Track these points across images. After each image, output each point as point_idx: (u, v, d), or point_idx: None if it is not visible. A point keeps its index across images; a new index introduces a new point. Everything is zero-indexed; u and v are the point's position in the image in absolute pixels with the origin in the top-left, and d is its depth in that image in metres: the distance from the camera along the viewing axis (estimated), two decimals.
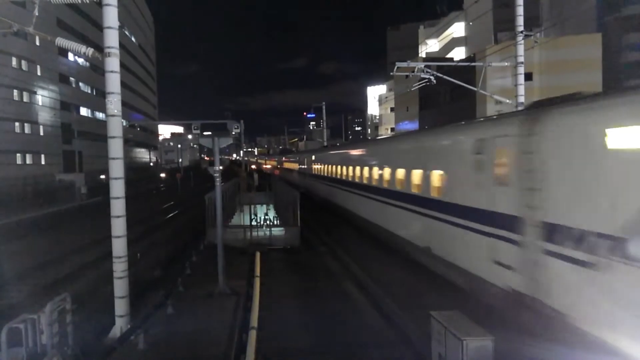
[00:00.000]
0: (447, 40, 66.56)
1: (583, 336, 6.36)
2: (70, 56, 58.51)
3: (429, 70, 19.59)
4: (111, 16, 9.69)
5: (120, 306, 9.78)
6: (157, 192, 54.82)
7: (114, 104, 9.79)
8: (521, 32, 17.56)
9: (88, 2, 10.13)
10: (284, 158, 61.57)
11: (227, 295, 11.87)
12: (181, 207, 34.89)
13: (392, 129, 67.60)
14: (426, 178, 12.26)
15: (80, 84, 63.64)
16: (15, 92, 47.28)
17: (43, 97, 52.26)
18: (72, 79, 60.89)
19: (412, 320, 9.18)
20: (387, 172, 15.82)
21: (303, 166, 39.99)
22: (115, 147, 9.88)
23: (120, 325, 9.67)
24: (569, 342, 6.63)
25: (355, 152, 22.94)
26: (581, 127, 6.97)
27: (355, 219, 20.77)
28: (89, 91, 65.94)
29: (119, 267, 9.84)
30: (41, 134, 51.94)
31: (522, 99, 17.76)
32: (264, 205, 24.86)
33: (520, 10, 17.47)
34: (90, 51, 10.04)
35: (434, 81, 19.55)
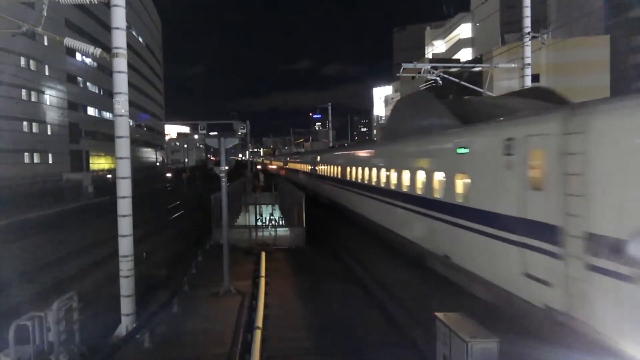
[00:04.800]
0: (454, 41, 66.39)
1: (586, 337, 6.34)
2: (78, 56, 58.91)
3: (435, 72, 19.56)
4: (119, 17, 9.77)
5: (126, 305, 9.84)
6: (163, 192, 55.03)
7: (121, 104, 9.85)
8: (528, 33, 17.51)
9: (96, 2, 10.17)
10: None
11: (232, 295, 11.90)
12: (187, 207, 35.00)
13: None
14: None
15: (88, 83, 64.04)
16: (24, 91, 47.66)
17: (51, 96, 52.65)
18: (79, 78, 61.30)
19: (415, 321, 9.19)
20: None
21: None
22: (122, 147, 9.94)
23: (126, 324, 9.73)
24: (574, 344, 6.61)
25: None
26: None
27: None
28: (97, 91, 66.34)
29: (125, 266, 9.89)
30: (49, 133, 52.32)
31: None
32: (269, 206, 24.93)
33: (527, 12, 17.43)
34: (98, 51, 10.11)
35: (440, 82, 19.51)
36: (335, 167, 26.02)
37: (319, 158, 33.67)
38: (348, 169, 22.25)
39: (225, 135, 12.66)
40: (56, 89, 53.77)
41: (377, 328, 9.50)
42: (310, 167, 37.12)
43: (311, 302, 11.37)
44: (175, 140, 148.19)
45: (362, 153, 21.05)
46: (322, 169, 31.15)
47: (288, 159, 63.44)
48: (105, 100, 64.57)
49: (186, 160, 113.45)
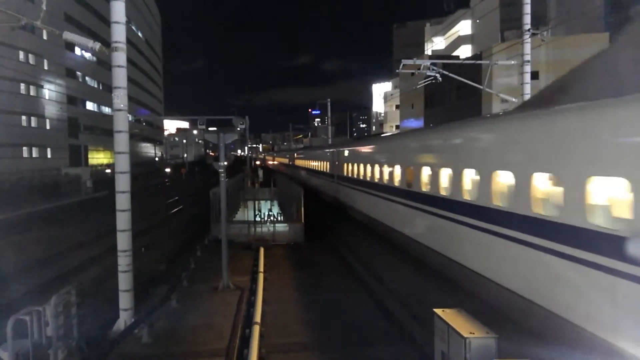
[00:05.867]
0: (454, 38, 66.28)
1: (585, 335, 6.35)
2: (77, 50, 58.73)
3: (435, 68, 19.53)
4: (119, 11, 9.72)
5: (125, 300, 9.83)
6: (161, 187, 54.99)
7: (121, 98, 9.82)
8: (528, 30, 17.47)
9: None
10: None
11: (231, 290, 11.92)
12: (185, 203, 35.00)
13: (397, 127, 67.48)
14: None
15: (87, 78, 63.86)
16: (23, 85, 47.51)
17: (50, 91, 52.52)
18: (78, 73, 61.12)
19: (413, 317, 9.20)
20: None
21: None
22: (121, 142, 9.92)
23: (124, 319, 9.73)
24: (572, 342, 6.62)
25: None
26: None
27: None
28: (96, 86, 66.17)
29: (124, 261, 9.88)
30: (48, 127, 52.22)
31: (528, 98, 17.70)
32: (268, 201, 24.93)
33: (527, 9, 17.39)
34: (97, 46, 10.05)
35: (440, 79, 19.48)
36: (394, 167, 14.41)
37: (347, 153, 22.02)
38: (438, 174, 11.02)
39: (224, 130, 12.61)
40: (55, 83, 53.63)
41: (376, 324, 9.51)
42: (330, 166, 25.90)
43: (309, 297, 11.39)
44: (174, 136, 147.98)
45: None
46: (357, 169, 19.21)
47: (295, 154, 51.06)
48: (104, 94, 64.44)
49: (185, 155, 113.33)
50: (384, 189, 15.36)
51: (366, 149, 19.33)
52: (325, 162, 28.07)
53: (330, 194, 25.50)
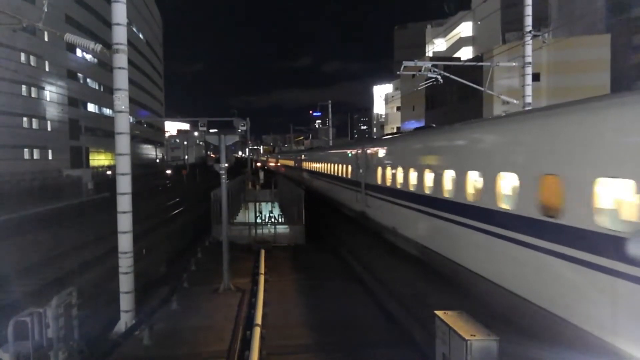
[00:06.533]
0: (455, 39, 66.27)
1: (586, 337, 6.33)
2: (79, 52, 58.86)
3: (436, 70, 19.53)
4: (120, 13, 9.73)
5: (126, 301, 9.83)
6: (162, 189, 55.02)
7: (122, 100, 9.82)
8: (529, 32, 17.47)
9: None
10: None
11: (232, 292, 11.90)
12: (186, 204, 35.00)
13: (398, 128, 67.46)
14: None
15: (88, 80, 63.96)
16: (24, 87, 47.57)
17: (51, 92, 52.60)
18: (80, 75, 61.21)
19: (414, 319, 9.19)
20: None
21: None
22: (122, 143, 9.92)
23: (125, 321, 9.73)
24: (573, 343, 6.60)
25: None
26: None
27: None
28: (97, 87, 66.27)
29: (125, 263, 9.89)
30: (49, 129, 52.29)
31: (529, 100, 17.68)
32: (269, 203, 24.92)
33: (528, 10, 17.38)
34: (98, 47, 10.06)
35: (441, 81, 19.48)
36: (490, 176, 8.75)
37: (384, 153, 16.34)
38: None
39: (225, 132, 12.61)
40: (56, 85, 53.71)
41: (377, 325, 9.49)
42: (353, 170, 20.19)
43: (310, 299, 11.37)
44: (175, 137, 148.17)
45: None
46: (406, 177, 13.35)
47: (302, 156, 43.37)
48: (106, 96, 64.51)
49: (186, 157, 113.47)
50: (471, 213, 9.59)
51: (421, 148, 13.35)
52: (346, 166, 21.99)
53: (355, 207, 19.84)
